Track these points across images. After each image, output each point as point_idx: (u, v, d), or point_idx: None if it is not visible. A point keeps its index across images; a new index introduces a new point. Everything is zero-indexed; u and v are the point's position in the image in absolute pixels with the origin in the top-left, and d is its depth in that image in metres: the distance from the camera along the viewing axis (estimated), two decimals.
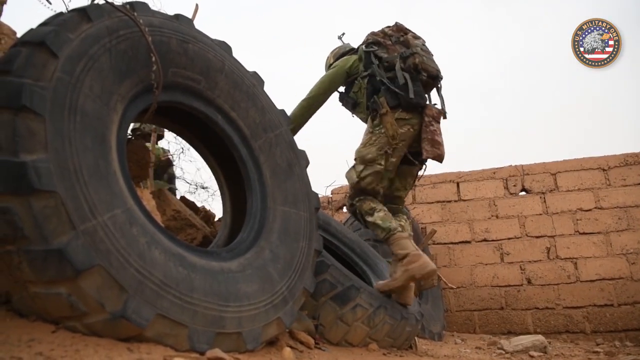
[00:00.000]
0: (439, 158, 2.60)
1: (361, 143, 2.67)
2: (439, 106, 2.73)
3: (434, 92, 2.80)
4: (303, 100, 2.79)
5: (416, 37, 2.80)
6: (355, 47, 3.06)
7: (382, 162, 2.54)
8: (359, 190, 2.58)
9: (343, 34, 3.24)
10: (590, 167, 5.33)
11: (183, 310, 1.13)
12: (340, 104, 2.98)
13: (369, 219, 2.50)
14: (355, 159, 2.64)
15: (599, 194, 5.22)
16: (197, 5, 3.72)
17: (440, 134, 2.61)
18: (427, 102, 2.63)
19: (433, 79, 2.70)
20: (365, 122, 2.81)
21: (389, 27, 2.88)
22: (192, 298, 1.16)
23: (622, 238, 5.01)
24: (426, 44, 2.84)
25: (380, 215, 2.47)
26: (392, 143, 2.54)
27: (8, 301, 1.05)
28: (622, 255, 4.96)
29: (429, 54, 2.75)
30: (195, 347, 1.13)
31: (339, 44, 3.27)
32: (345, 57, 2.91)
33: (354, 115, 2.96)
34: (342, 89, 2.95)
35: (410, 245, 2.36)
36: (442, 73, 2.76)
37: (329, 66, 3.11)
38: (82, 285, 0.97)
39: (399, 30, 2.83)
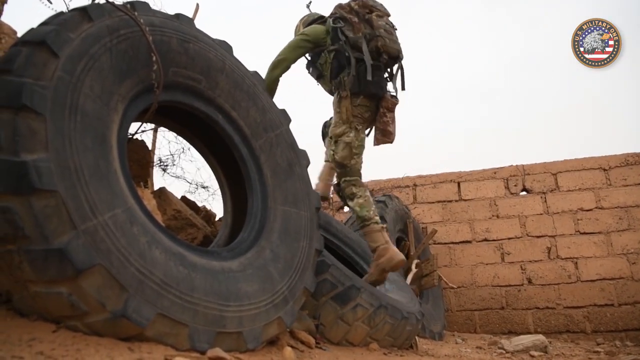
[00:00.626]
0: (388, 142, 2.80)
1: (332, 124, 2.79)
2: (398, 83, 2.88)
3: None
4: (271, 63, 2.75)
5: (380, 16, 2.84)
6: (323, 15, 3.08)
7: (352, 134, 2.68)
8: (340, 165, 2.69)
9: (310, 2, 3.25)
10: (591, 167, 5.32)
11: (184, 310, 1.13)
12: (307, 71, 3.06)
13: (350, 203, 2.65)
14: (330, 138, 2.78)
15: (599, 193, 5.22)
16: (197, 4, 3.72)
17: (393, 121, 2.79)
18: (384, 92, 2.76)
19: (394, 59, 2.81)
20: (329, 92, 2.94)
21: (354, 1, 2.89)
22: (192, 297, 1.16)
23: (623, 238, 5.01)
24: (390, 19, 2.90)
25: (360, 202, 2.61)
26: (349, 127, 2.69)
27: (9, 300, 1.05)
28: (623, 255, 4.96)
29: (392, 34, 2.82)
30: (196, 346, 1.13)
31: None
32: (313, 26, 2.90)
33: (318, 84, 3.04)
34: (309, 56, 3.00)
35: (381, 239, 2.51)
36: (403, 53, 2.86)
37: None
38: (82, 285, 0.97)
39: (365, 6, 2.85)
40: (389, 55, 2.75)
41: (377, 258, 2.47)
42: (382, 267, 2.44)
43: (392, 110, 2.78)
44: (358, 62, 2.70)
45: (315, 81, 3.05)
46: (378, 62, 2.74)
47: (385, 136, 2.76)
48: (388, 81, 2.85)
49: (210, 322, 1.18)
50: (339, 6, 2.91)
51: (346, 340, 2.05)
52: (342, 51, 2.72)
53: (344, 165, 2.67)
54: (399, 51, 2.81)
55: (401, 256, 2.48)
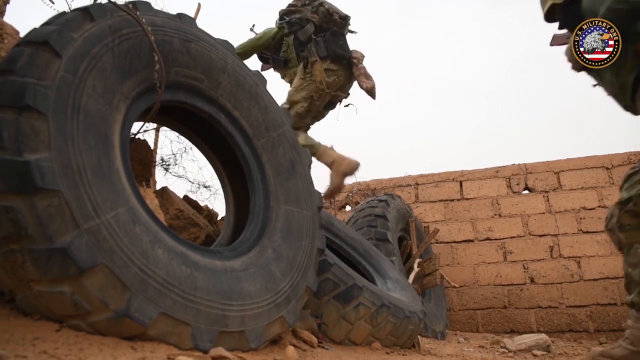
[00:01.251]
0: (372, 90, 3.09)
1: (293, 87, 3.08)
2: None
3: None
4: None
5: None
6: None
7: (305, 105, 3.00)
8: None
9: (254, 25, 3.64)
10: (594, 166, 5.31)
11: (186, 309, 1.13)
12: (275, 70, 3.45)
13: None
14: (286, 101, 3.09)
15: (602, 192, 5.20)
16: (199, 4, 3.72)
17: (367, 71, 3.15)
18: (350, 53, 3.15)
19: (343, 18, 3.21)
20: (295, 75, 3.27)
21: None
22: (195, 297, 1.16)
23: None
24: None
25: (302, 137, 2.95)
26: (320, 87, 3.00)
27: (12, 300, 1.05)
28: None
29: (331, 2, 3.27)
30: (198, 345, 1.13)
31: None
32: (268, 29, 3.34)
33: (285, 76, 3.37)
34: (271, 59, 3.45)
35: (334, 153, 2.81)
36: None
37: None
38: (85, 284, 0.97)
39: None
40: (339, 15, 3.14)
41: (336, 166, 2.71)
42: (341, 170, 2.67)
43: (361, 62, 3.13)
44: (318, 34, 3.09)
45: (282, 74, 3.40)
46: (336, 29, 3.13)
47: (368, 78, 3.06)
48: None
49: (212, 321, 1.19)
50: (282, 9, 3.35)
51: (348, 339, 2.05)
52: (299, 32, 3.12)
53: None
54: (345, 13, 3.24)
55: (357, 160, 2.78)
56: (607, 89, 2.19)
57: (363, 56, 3.18)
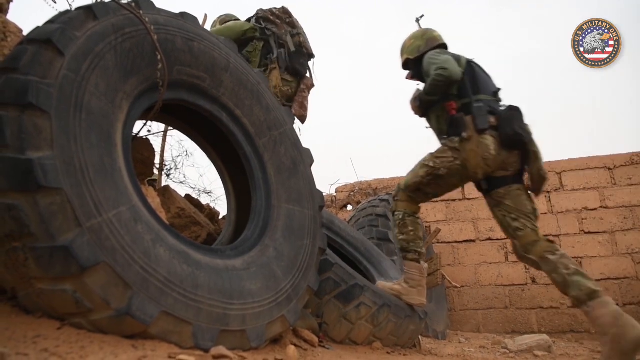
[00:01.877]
0: (302, 119, 3.28)
1: None
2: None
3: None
4: None
5: (297, 22, 3.45)
6: (239, 18, 3.59)
7: None
8: None
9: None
10: (596, 166, 5.30)
11: (187, 308, 1.13)
12: None
13: None
14: None
15: (604, 193, 5.19)
16: (205, 15, 3.76)
17: (308, 101, 3.33)
18: (306, 72, 3.32)
19: (309, 56, 3.40)
20: None
21: (276, 8, 3.44)
22: (196, 295, 1.16)
23: (628, 237, 4.98)
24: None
25: None
26: (274, 93, 3.02)
27: (14, 297, 1.05)
28: (628, 255, 4.94)
29: (307, 36, 3.45)
30: (199, 344, 1.13)
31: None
32: (243, 21, 3.40)
33: None
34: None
35: None
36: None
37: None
38: (87, 282, 0.97)
39: (285, 13, 3.41)
40: (307, 51, 3.34)
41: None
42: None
43: (309, 91, 3.31)
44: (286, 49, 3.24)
45: None
46: (302, 50, 3.30)
47: (302, 109, 3.24)
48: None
49: (213, 320, 1.19)
50: (262, 10, 3.44)
51: (349, 339, 2.05)
52: (269, 42, 3.24)
53: None
54: (312, 50, 3.45)
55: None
56: (435, 133, 2.69)
57: (312, 86, 3.39)
